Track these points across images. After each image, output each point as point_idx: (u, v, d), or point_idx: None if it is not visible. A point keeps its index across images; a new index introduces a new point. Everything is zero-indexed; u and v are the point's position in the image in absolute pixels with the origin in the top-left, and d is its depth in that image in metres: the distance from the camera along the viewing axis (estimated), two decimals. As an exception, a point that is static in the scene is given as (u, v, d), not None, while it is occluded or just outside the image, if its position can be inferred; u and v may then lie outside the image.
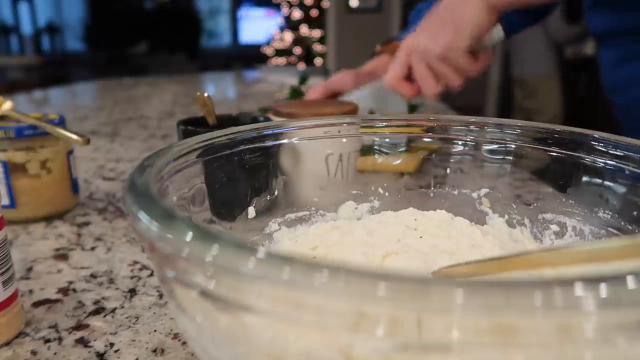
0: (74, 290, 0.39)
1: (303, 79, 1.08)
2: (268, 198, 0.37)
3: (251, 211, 0.36)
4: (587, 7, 0.71)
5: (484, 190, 0.38)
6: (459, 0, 0.66)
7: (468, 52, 0.67)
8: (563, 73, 2.75)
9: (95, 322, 0.35)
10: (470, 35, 0.65)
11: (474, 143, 0.38)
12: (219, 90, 1.84)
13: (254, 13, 6.62)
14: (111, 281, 0.41)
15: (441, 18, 0.67)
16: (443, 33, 0.66)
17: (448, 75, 0.68)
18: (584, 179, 0.33)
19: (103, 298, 0.38)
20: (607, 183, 0.32)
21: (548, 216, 0.36)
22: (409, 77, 0.70)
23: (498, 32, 0.68)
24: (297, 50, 4.41)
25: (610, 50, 0.71)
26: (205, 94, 0.50)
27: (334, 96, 0.74)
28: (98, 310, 0.36)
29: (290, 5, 4.41)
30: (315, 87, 0.75)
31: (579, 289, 0.13)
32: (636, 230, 0.30)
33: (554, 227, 0.35)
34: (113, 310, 0.36)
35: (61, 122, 0.53)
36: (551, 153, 0.35)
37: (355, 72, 0.77)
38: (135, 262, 0.44)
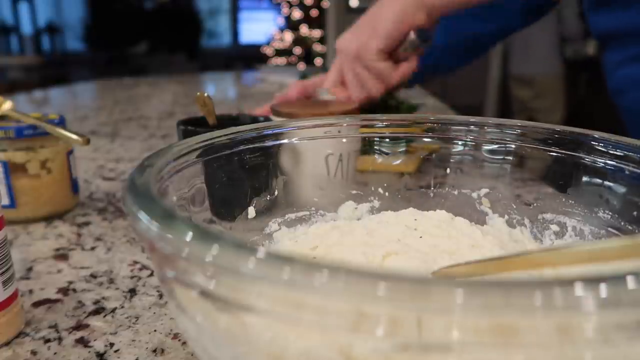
0: (74, 290, 0.39)
1: (303, 79, 1.08)
2: (268, 198, 0.37)
3: (251, 211, 0.36)
4: (588, 8, 0.70)
5: (484, 190, 0.38)
6: (387, 0, 0.61)
7: (384, 55, 0.61)
8: (565, 72, 2.72)
9: (95, 322, 0.35)
10: (384, 35, 0.60)
11: (474, 143, 0.38)
12: (219, 90, 1.84)
13: (254, 15, 6.62)
14: (111, 281, 0.41)
15: (365, 19, 0.63)
16: (360, 33, 0.62)
17: (367, 80, 0.63)
18: (584, 179, 0.33)
19: (103, 298, 0.38)
20: (607, 183, 0.32)
21: (548, 216, 0.36)
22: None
23: (411, 37, 0.62)
24: (297, 50, 4.41)
25: (614, 51, 0.70)
26: (205, 94, 0.50)
27: (309, 96, 0.71)
28: (98, 310, 0.36)
29: (290, 5, 4.41)
30: (293, 87, 0.70)
31: (579, 289, 0.13)
32: (636, 230, 0.30)
33: (554, 227, 0.35)
34: (113, 310, 0.36)
35: (61, 122, 0.53)
36: (551, 153, 0.35)
37: (304, 83, 0.74)
38: (135, 262, 0.44)
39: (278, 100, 0.70)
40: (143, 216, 0.19)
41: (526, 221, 0.37)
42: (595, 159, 0.32)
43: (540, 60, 2.64)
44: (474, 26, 0.81)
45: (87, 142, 0.50)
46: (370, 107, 0.68)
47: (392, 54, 0.63)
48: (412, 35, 0.61)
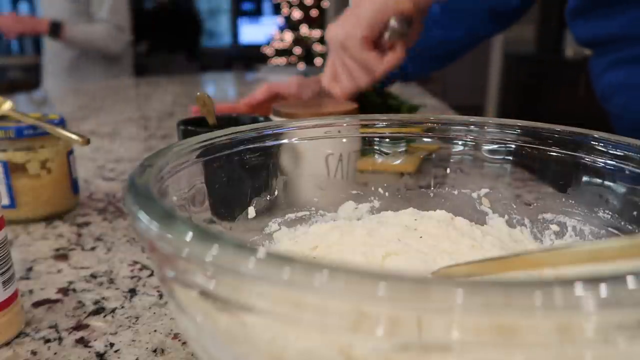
0: (74, 290, 0.39)
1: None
2: (268, 198, 0.37)
3: (251, 211, 0.36)
4: (568, 18, 0.70)
5: (484, 190, 0.38)
6: None
7: (369, 43, 0.60)
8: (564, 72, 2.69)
9: (95, 322, 0.35)
10: (367, 22, 0.59)
11: (474, 143, 0.38)
12: (219, 90, 1.84)
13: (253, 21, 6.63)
14: (111, 281, 0.41)
15: (351, 6, 0.62)
16: (345, 22, 0.61)
17: (354, 71, 0.62)
18: (584, 179, 0.33)
19: (103, 298, 0.38)
20: (607, 183, 0.32)
21: (548, 216, 0.36)
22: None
23: (392, 24, 0.60)
24: (297, 50, 4.41)
25: (597, 58, 0.70)
26: (205, 94, 0.50)
27: (275, 98, 0.71)
28: (98, 310, 0.36)
29: (290, 5, 4.41)
30: (260, 89, 0.70)
31: (579, 289, 0.13)
32: (636, 230, 0.30)
33: (554, 227, 0.35)
34: (113, 310, 0.36)
35: (61, 122, 0.53)
36: (551, 153, 0.35)
37: (300, 78, 0.74)
38: (135, 262, 0.44)
39: (244, 102, 0.71)
40: (143, 216, 0.19)
41: (526, 221, 0.37)
42: (595, 159, 0.32)
43: None
44: (437, 34, 0.80)
45: (87, 142, 0.50)
46: (364, 104, 0.67)
47: (378, 44, 0.62)
48: (393, 22, 0.60)
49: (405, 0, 0.58)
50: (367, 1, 0.60)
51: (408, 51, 0.64)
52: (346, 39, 0.60)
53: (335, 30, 0.62)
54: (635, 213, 0.31)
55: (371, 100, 0.72)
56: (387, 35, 0.61)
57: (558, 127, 0.35)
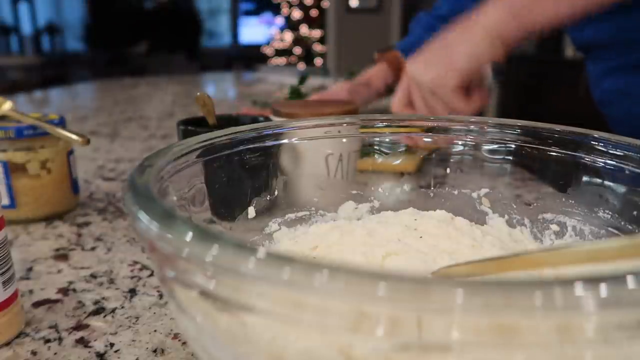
0: (74, 290, 0.39)
1: (302, 79, 1.08)
2: (268, 198, 0.37)
3: (251, 211, 0.36)
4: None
5: (484, 190, 0.38)
6: (461, 31, 0.58)
7: (460, 90, 0.59)
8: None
9: (95, 322, 0.35)
10: (462, 72, 0.57)
11: (474, 143, 0.38)
12: (219, 90, 1.84)
13: (251, 21, 6.63)
14: (111, 281, 0.41)
15: (439, 48, 0.60)
16: (434, 66, 0.59)
17: (437, 111, 0.61)
18: (584, 179, 0.33)
19: (103, 298, 0.38)
20: (607, 183, 0.32)
21: (548, 216, 0.36)
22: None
23: (486, 72, 0.59)
24: (297, 50, 4.41)
25: (595, 63, 0.70)
26: (205, 94, 0.50)
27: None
28: (98, 311, 0.36)
29: (290, 5, 4.41)
30: (311, 99, 0.72)
31: (579, 289, 0.13)
32: (636, 230, 0.30)
33: (554, 227, 0.35)
34: (113, 311, 0.36)
35: (61, 122, 0.53)
36: (551, 153, 0.35)
37: (351, 84, 0.74)
38: (135, 262, 0.44)
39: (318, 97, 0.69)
40: (143, 216, 0.19)
41: (526, 221, 0.37)
42: (595, 159, 0.32)
43: None
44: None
45: (87, 142, 0.50)
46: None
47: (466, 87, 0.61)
48: (489, 72, 0.59)
49: (498, 47, 0.56)
50: (461, 44, 0.57)
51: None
52: (438, 83, 0.58)
53: (423, 69, 0.60)
54: (635, 213, 0.31)
55: None
56: (477, 81, 0.59)
57: (558, 127, 0.35)
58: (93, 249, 0.47)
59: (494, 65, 0.60)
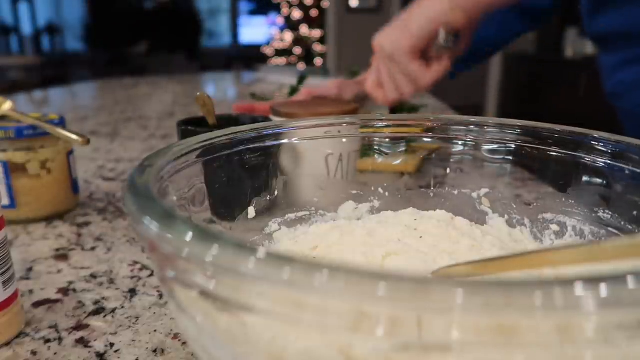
0: (74, 290, 0.39)
1: (301, 79, 1.07)
2: (268, 198, 0.37)
3: (251, 211, 0.36)
4: (586, 10, 0.70)
5: (484, 190, 0.38)
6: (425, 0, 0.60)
7: (416, 55, 0.60)
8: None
9: (95, 322, 0.35)
10: (414, 33, 0.58)
11: (474, 143, 0.38)
12: (219, 90, 1.84)
13: (253, 21, 6.63)
14: (111, 281, 0.41)
15: (403, 15, 0.62)
16: (392, 31, 0.61)
17: (399, 80, 0.62)
18: (584, 179, 0.33)
19: (103, 298, 0.38)
20: (607, 183, 0.32)
21: (548, 216, 0.36)
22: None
23: (442, 36, 0.59)
24: (297, 50, 4.41)
25: (611, 54, 0.69)
26: (205, 94, 0.50)
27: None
28: (98, 311, 0.36)
29: (290, 5, 4.41)
30: (301, 92, 0.72)
31: (579, 289, 0.13)
32: (636, 230, 0.30)
33: (554, 227, 0.35)
34: (113, 311, 0.36)
35: (61, 122, 0.53)
36: (551, 153, 0.35)
37: (341, 80, 0.74)
38: (135, 262, 0.44)
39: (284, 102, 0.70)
40: (143, 216, 0.19)
41: (526, 221, 0.37)
42: (595, 159, 0.32)
43: None
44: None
45: (87, 142, 0.50)
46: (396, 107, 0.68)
47: (425, 53, 0.62)
48: (442, 34, 0.60)
49: (457, 12, 0.58)
50: (418, 11, 0.59)
51: (454, 62, 0.63)
52: (393, 49, 0.60)
53: (383, 38, 0.62)
54: (635, 213, 0.31)
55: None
56: (435, 47, 0.61)
57: (558, 127, 0.35)
58: (93, 249, 0.47)
59: (453, 29, 0.60)
